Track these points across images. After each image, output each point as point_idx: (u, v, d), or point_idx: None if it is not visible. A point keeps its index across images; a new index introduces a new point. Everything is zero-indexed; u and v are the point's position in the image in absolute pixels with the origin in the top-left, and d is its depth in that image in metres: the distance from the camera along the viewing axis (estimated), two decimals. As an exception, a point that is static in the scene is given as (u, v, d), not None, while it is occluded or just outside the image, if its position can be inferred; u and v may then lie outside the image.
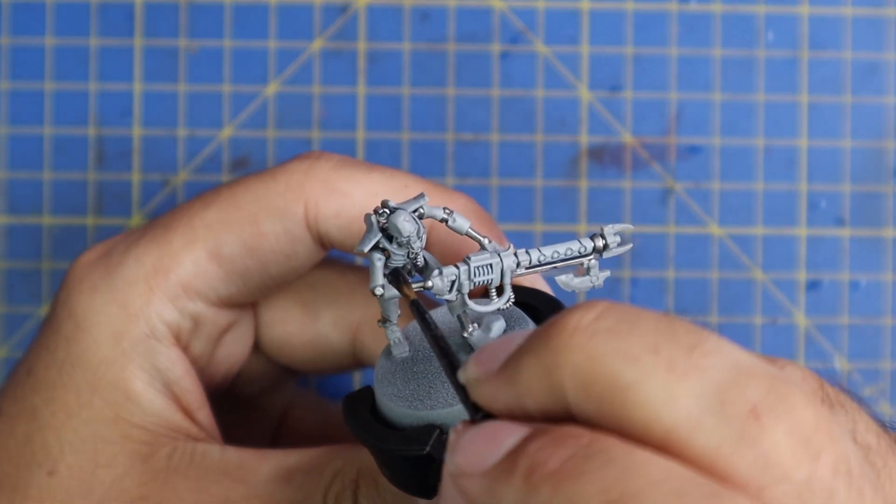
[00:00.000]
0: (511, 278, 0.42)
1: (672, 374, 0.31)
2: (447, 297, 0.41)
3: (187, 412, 0.48)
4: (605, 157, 0.60)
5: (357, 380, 0.60)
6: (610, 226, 0.43)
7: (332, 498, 0.44)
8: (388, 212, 0.41)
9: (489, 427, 0.33)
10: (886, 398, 0.60)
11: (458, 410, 0.41)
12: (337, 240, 0.48)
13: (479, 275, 0.42)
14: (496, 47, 0.60)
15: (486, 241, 0.42)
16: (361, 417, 0.43)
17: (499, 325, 0.43)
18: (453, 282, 0.41)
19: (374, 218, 0.41)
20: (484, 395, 0.34)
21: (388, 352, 0.44)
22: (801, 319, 0.60)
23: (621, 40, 0.60)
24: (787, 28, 0.60)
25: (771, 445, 0.31)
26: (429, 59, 0.60)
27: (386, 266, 0.41)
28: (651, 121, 0.60)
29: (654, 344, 0.31)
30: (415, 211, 0.42)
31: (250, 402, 0.55)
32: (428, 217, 0.42)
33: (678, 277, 0.60)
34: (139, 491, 0.46)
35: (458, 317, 0.42)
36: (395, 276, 0.42)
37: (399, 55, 0.60)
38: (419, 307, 0.39)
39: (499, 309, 0.42)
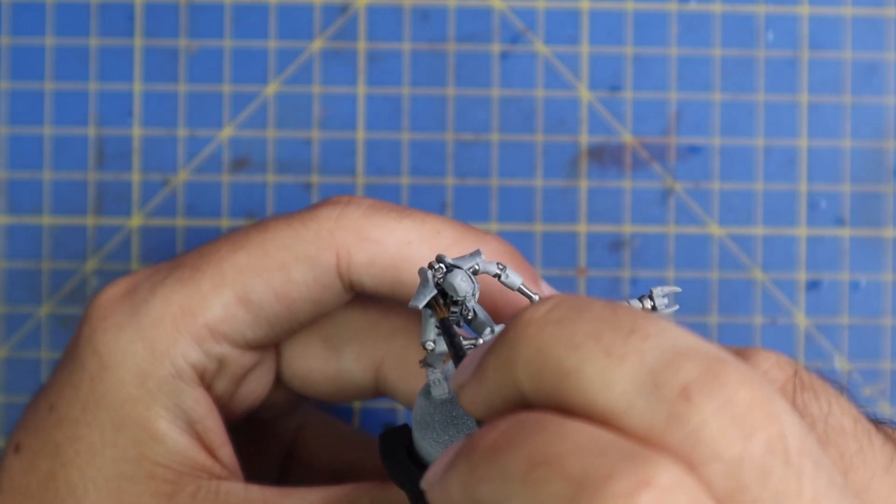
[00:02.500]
0: None
1: (610, 359, 0.32)
2: (484, 339, 0.41)
3: (210, 451, 0.48)
4: (605, 157, 0.60)
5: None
6: (659, 288, 0.43)
7: None
8: (445, 268, 0.41)
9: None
10: (886, 398, 0.60)
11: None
12: (369, 288, 0.48)
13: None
14: (496, 47, 0.60)
15: (536, 299, 0.42)
16: (398, 458, 0.43)
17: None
18: (488, 328, 0.42)
19: (429, 273, 0.41)
20: (465, 401, 0.35)
21: (426, 391, 0.44)
22: (801, 319, 0.60)
23: (621, 40, 0.60)
24: (787, 28, 0.60)
25: (700, 424, 0.31)
26: (429, 59, 0.60)
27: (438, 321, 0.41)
28: (651, 121, 0.60)
29: (596, 331, 0.32)
30: (470, 268, 0.41)
31: (264, 425, 0.55)
32: (482, 273, 0.42)
33: (678, 277, 0.60)
34: None
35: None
36: (445, 328, 0.42)
37: (399, 55, 0.60)
38: (446, 327, 0.40)
39: None
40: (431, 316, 0.41)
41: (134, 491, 0.47)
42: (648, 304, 0.43)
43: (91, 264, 0.59)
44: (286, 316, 0.48)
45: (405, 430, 0.44)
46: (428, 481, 0.34)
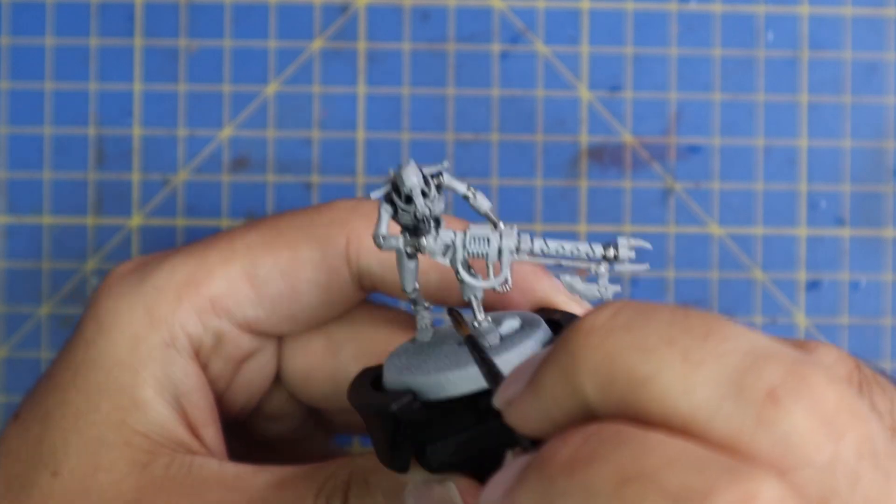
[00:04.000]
0: (510, 261, 0.42)
1: (688, 364, 0.31)
2: (439, 259, 0.42)
3: (192, 428, 0.48)
4: (605, 157, 0.60)
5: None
6: (625, 238, 0.42)
7: (323, 498, 0.44)
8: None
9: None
10: (886, 398, 0.60)
11: (436, 379, 0.41)
12: (377, 275, 0.48)
13: (475, 245, 0.42)
14: (496, 47, 0.60)
15: (502, 227, 0.42)
16: (360, 383, 0.43)
17: (510, 322, 0.43)
18: (448, 246, 0.42)
19: (391, 170, 0.41)
20: (516, 417, 0.34)
21: (413, 338, 0.44)
22: (801, 319, 0.60)
23: (621, 40, 0.60)
24: (787, 28, 0.60)
25: (790, 427, 0.30)
26: (429, 59, 0.60)
27: (396, 221, 0.42)
28: (651, 121, 0.60)
29: (668, 335, 0.31)
30: (434, 177, 0.41)
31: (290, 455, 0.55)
32: (448, 188, 0.42)
33: (678, 277, 0.60)
34: (134, 495, 0.46)
35: (471, 300, 0.42)
36: (451, 314, 0.42)
37: (399, 55, 0.60)
38: (473, 342, 0.40)
39: (493, 288, 0.42)
40: (387, 211, 0.41)
41: (110, 456, 0.47)
42: (612, 252, 0.42)
43: (91, 264, 0.59)
44: (289, 296, 0.48)
45: (380, 367, 0.44)
46: (488, 500, 0.33)
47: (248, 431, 0.53)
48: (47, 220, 0.59)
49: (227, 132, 0.60)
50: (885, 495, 0.30)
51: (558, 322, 0.44)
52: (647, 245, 0.42)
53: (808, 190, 0.60)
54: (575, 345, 0.32)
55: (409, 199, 0.41)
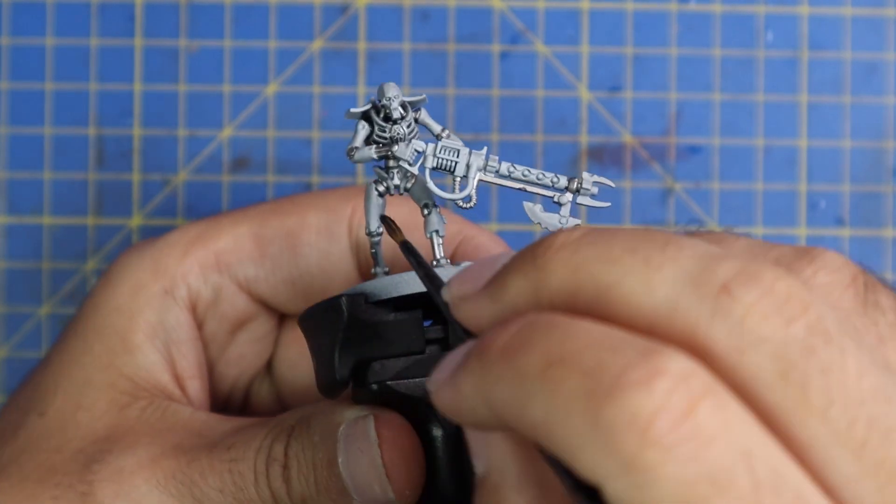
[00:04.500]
0: (476, 177, 0.44)
1: (649, 267, 0.33)
2: (410, 168, 0.44)
3: (177, 377, 0.49)
4: (605, 157, 0.60)
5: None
6: (589, 174, 0.45)
7: (269, 440, 0.45)
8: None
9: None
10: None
11: (383, 282, 0.43)
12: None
13: (445, 155, 0.44)
14: (496, 47, 0.60)
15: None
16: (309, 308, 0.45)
17: (467, 264, 0.44)
18: (419, 153, 0.44)
19: (372, 98, 0.44)
20: (468, 312, 0.36)
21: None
22: (800, 319, 0.60)
23: (621, 40, 0.60)
24: (786, 28, 0.60)
25: (743, 314, 0.32)
26: (429, 59, 0.60)
27: (370, 142, 0.44)
28: (651, 121, 0.60)
29: (631, 246, 0.33)
30: (412, 104, 0.44)
31: None
32: (423, 123, 0.44)
33: (678, 277, 0.60)
34: (105, 433, 0.47)
35: (430, 238, 0.44)
36: (384, 220, 0.44)
37: (399, 55, 0.60)
38: (408, 247, 0.41)
39: (455, 202, 0.44)
40: (363, 128, 0.44)
41: (93, 396, 0.48)
42: (575, 185, 0.44)
43: (91, 264, 0.59)
44: (290, 259, 0.50)
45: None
46: (435, 382, 0.35)
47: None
48: (47, 220, 0.59)
49: (227, 132, 0.60)
50: (840, 366, 0.32)
51: None
52: (611, 183, 0.45)
53: (808, 190, 0.60)
54: (543, 258, 0.34)
55: (386, 118, 0.43)
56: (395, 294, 0.43)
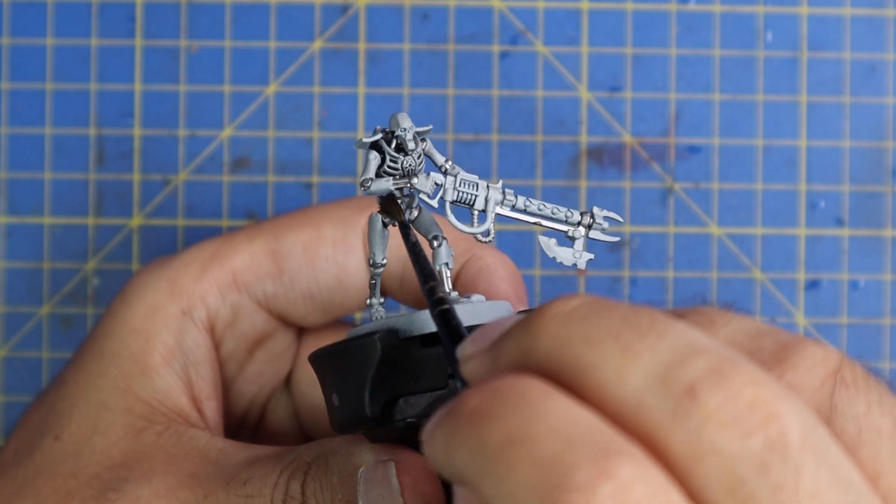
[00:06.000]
0: (494, 210, 0.44)
1: (626, 356, 0.32)
2: (429, 201, 0.44)
3: (194, 399, 0.49)
4: (605, 157, 0.60)
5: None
6: (599, 209, 0.45)
7: (286, 476, 0.45)
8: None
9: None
10: (885, 398, 0.60)
11: (406, 319, 0.42)
12: (389, 259, 0.49)
13: (465, 188, 0.44)
14: (496, 47, 0.60)
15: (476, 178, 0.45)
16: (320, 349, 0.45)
17: (478, 297, 0.44)
18: (439, 185, 0.44)
19: (377, 127, 0.44)
20: (469, 370, 0.36)
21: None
22: (800, 319, 0.60)
23: (621, 40, 0.60)
24: (786, 28, 0.60)
25: (703, 421, 0.31)
26: (429, 59, 0.60)
27: (380, 174, 0.44)
28: (651, 121, 0.60)
29: (616, 330, 0.33)
30: (419, 134, 0.44)
31: None
32: (427, 154, 0.44)
33: (678, 277, 0.60)
34: (121, 459, 0.47)
35: (440, 270, 0.43)
36: (385, 202, 0.44)
37: (399, 55, 0.60)
38: (408, 229, 0.42)
39: (476, 236, 0.44)
40: (375, 158, 0.43)
41: (109, 419, 0.48)
42: (587, 219, 0.45)
43: (92, 264, 0.59)
44: (308, 273, 0.49)
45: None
46: (425, 432, 0.35)
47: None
48: (48, 220, 0.59)
49: (227, 132, 0.60)
50: (793, 486, 0.31)
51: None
52: (619, 218, 0.45)
53: (808, 190, 0.60)
54: (536, 327, 0.34)
55: (398, 149, 0.43)
56: (427, 331, 0.42)
